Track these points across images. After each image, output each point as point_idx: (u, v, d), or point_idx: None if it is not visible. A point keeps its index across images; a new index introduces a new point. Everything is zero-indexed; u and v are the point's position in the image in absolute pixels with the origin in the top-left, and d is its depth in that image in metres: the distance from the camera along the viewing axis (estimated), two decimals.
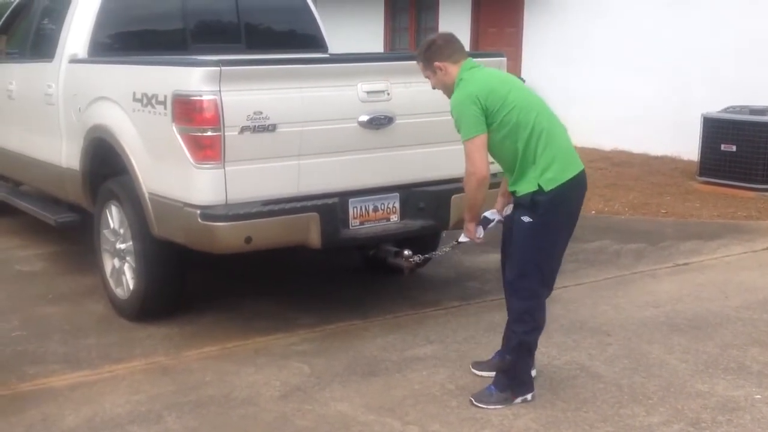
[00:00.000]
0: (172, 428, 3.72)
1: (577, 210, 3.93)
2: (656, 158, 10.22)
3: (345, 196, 4.63)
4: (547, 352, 4.34)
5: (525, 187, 3.77)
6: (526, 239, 3.80)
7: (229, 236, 4.31)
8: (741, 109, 8.64)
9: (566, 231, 3.92)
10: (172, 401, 3.97)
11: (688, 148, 9.42)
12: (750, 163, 8.33)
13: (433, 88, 4.07)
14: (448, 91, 3.95)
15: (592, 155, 9.95)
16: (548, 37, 11.65)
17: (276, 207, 4.39)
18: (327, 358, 4.46)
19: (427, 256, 4.89)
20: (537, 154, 3.74)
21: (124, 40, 5.80)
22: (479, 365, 4.25)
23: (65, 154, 5.67)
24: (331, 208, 4.53)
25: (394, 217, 4.83)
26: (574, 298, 5.40)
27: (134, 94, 4.68)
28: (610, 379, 4.15)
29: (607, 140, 10.63)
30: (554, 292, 5.46)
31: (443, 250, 4.71)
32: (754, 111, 8.49)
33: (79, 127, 5.36)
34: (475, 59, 4.02)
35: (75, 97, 5.46)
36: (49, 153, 5.89)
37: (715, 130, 8.59)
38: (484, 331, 4.82)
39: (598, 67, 10.95)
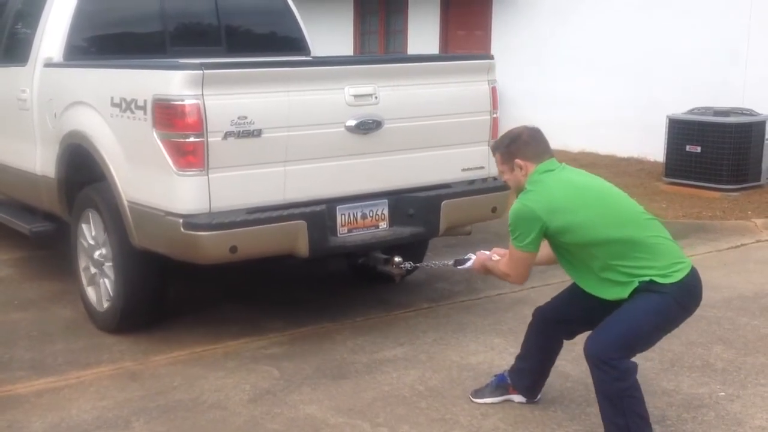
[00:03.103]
0: None
1: (690, 309, 3.45)
2: (623, 159, 10.33)
3: (333, 203, 4.49)
4: (515, 352, 4.37)
5: (621, 292, 3.33)
6: (646, 306, 3.30)
7: (213, 246, 4.14)
8: (705, 111, 8.76)
9: (675, 324, 3.47)
10: (140, 406, 3.95)
11: (655, 149, 9.54)
12: (714, 164, 8.46)
13: (504, 182, 3.71)
14: (519, 190, 3.53)
15: (560, 157, 9.70)
16: (517, 40, 11.74)
17: (262, 215, 4.23)
18: (297, 361, 4.46)
19: (417, 264, 4.76)
20: (626, 268, 3.30)
21: (101, 43, 5.62)
22: (478, 393, 3.97)
23: (40, 161, 5.49)
24: (318, 215, 4.37)
25: (383, 224, 4.70)
26: (542, 298, 5.40)
27: (112, 98, 4.53)
28: (578, 378, 4.19)
29: (574, 142, 10.72)
30: (521, 293, 5.57)
31: (435, 263, 4.49)
32: (718, 112, 8.61)
33: (55, 133, 5.20)
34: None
35: (50, 102, 5.29)
36: (23, 160, 5.71)
37: (680, 131, 8.70)
38: (453, 332, 4.86)
39: (567, 69, 11.05)
